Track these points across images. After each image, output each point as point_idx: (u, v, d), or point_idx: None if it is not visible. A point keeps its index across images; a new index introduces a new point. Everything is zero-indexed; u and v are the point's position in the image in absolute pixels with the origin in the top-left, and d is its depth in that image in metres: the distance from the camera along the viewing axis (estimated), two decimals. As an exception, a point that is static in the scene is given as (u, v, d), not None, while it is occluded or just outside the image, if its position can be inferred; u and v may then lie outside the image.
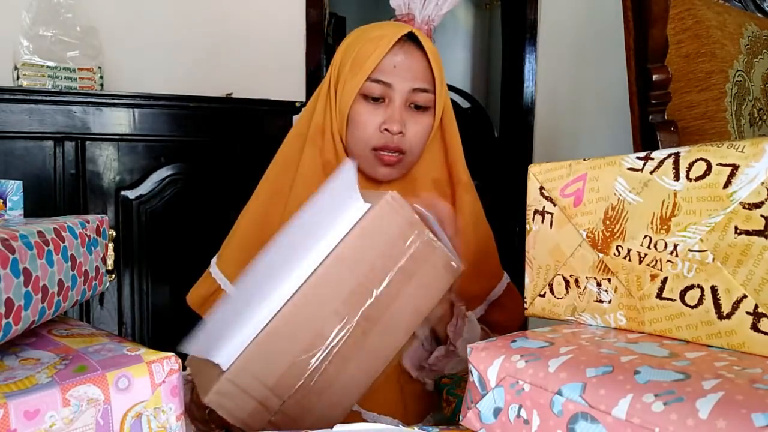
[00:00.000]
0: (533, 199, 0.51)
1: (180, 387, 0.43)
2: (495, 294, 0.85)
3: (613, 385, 0.33)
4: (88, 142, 1.39)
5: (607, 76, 2.15)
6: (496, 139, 2.69)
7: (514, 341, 0.43)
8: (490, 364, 0.41)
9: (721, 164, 0.38)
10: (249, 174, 1.58)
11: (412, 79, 0.74)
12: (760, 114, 1.27)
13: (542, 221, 0.50)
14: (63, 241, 0.48)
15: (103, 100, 1.39)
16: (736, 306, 0.37)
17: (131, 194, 1.46)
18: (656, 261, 0.41)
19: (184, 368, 0.67)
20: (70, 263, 0.49)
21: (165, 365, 0.42)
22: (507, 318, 0.85)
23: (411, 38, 0.77)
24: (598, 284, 0.46)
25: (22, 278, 0.41)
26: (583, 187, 0.47)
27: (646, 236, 0.42)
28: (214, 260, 0.85)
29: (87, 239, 0.54)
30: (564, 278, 0.49)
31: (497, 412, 0.39)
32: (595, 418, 0.33)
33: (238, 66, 1.85)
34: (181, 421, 0.43)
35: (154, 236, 1.48)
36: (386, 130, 0.74)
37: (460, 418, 0.43)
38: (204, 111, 1.51)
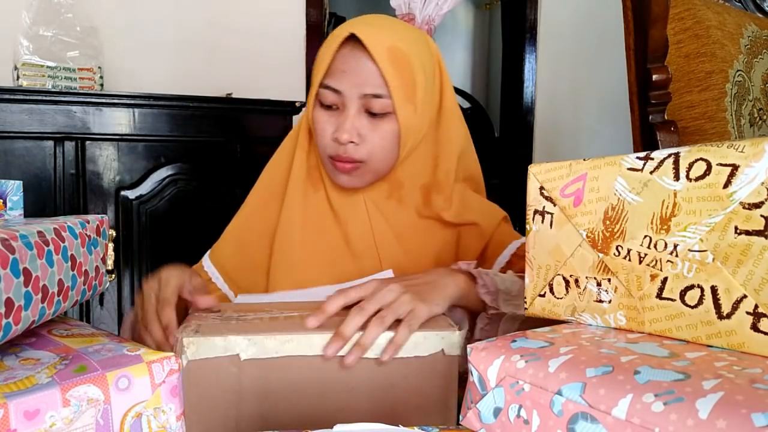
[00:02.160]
0: (533, 199, 0.51)
1: (180, 387, 0.43)
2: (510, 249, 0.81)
3: (613, 385, 0.33)
4: (88, 142, 1.40)
5: (607, 76, 2.15)
6: (496, 139, 2.69)
7: (514, 341, 0.43)
8: (490, 364, 0.41)
9: (721, 164, 0.38)
10: (249, 174, 1.58)
11: (361, 84, 0.69)
12: (760, 114, 1.27)
13: (542, 221, 0.50)
14: (63, 241, 0.48)
15: (103, 100, 1.39)
16: (736, 306, 0.37)
17: (131, 194, 1.46)
18: (656, 261, 0.41)
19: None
20: (70, 263, 0.49)
21: (165, 365, 0.42)
22: None
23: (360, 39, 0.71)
24: (598, 284, 0.46)
25: (22, 278, 0.41)
26: (583, 187, 0.47)
27: (646, 236, 0.42)
28: (207, 253, 0.85)
29: (87, 239, 0.54)
30: (564, 278, 0.49)
31: (497, 412, 0.39)
32: (595, 418, 0.33)
33: (238, 66, 1.85)
34: (181, 421, 0.43)
35: (154, 236, 1.48)
36: (335, 139, 0.70)
37: (460, 418, 0.43)
38: (204, 111, 1.51)
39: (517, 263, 0.79)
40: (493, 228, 0.82)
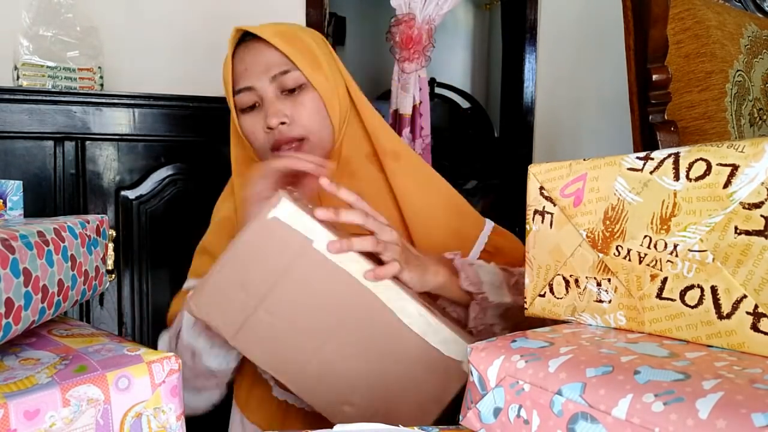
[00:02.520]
0: (533, 199, 0.51)
1: (180, 387, 0.43)
2: (480, 243, 0.81)
3: (613, 385, 0.33)
4: (88, 142, 1.39)
5: (607, 76, 2.15)
6: (496, 139, 2.70)
7: (514, 341, 0.43)
8: (490, 364, 0.41)
9: (721, 164, 0.38)
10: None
11: (266, 69, 0.71)
12: (760, 114, 1.27)
13: (542, 221, 0.50)
14: (63, 241, 0.48)
15: (103, 100, 1.39)
16: (736, 306, 0.37)
17: (131, 194, 1.46)
18: (656, 261, 0.41)
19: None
20: (70, 263, 0.49)
21: (165, 365, 0.42)
22: (509, 249, 0.82)
23: (251, 35, 0.74)
24: (598, 284, 0.46)
25: (22, 278, 0.41)
26: (583, 187, 0.47)
27: (646, 236, 0.42)
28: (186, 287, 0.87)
29: (87, 239, 0.54)
30: (564, 278, 0.49)
31: (497, 412, 0.39)
32: (595, 418, 0.33)
33: (238, 66, 1.85)
34: (181, 421, 0.43)
35: (154, 236, 1.48)
36: (268, 128, 0.72)
37: (460, 418, 0.43)
38: (204, 111, 1.51)
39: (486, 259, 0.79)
40: None
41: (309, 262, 0.57)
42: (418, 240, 0.77)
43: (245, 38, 0.75)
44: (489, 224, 0.84)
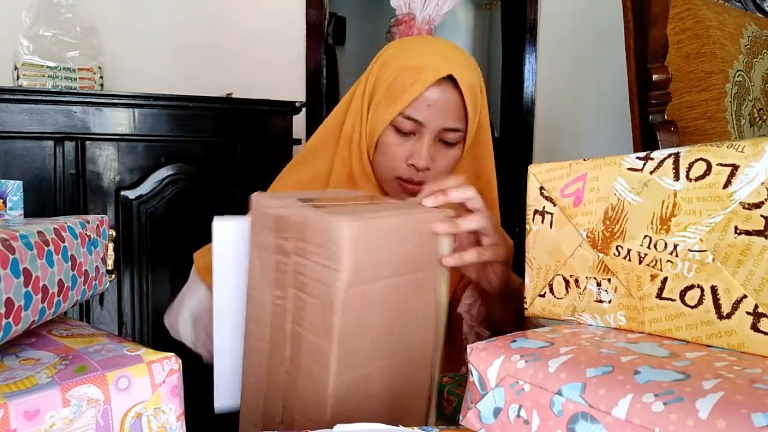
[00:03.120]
0: (533, 199, 0.51)
1: (180, 387, 0.43)
2: None
3: (613, 385, 0.33)
4: (88, 142, 1.40)
5: (607, 76, 2.15)
6: (496, 139, 2.69)
7: (514, 341, 0.43)
8: (490, 364, 0.41)
9: (721, 164, 0.38)
10: (249, 174, 1.58)
11: (444, 118, 0.73)
12: (760, 114, 1.27)
13: (542, 221, 0.50)
14: (63, 241, 0.48)
15: (103, 100, 1.39)
16: (736, 306, 0.37)
17: (131, 194, 1.46)
18: (656, 261, 0.41)
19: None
20: (70, 263, 0.49)
21: (165, 365, 0.42)
22: None
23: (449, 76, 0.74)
24: (598, 284, 0.46)
25: (22, 278, 0.41)
26: (583, 187, 0.47)
27: (646, 236, 0.42)
28: None
29: (87, 239, 0.54)
30: (564, 278, 0.49)
31: (497, 412, 0.39)
32: (595, 418, 0.33)
33: (238, 66, 1.85)
34: (181, 422, 0.43)
35: (154, 236, 1.48)
36: (412, 164, 0.74)
37: (460, 418, 0.43)
38: (204, 111, 1.51)
39: None
40: None
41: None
42: None
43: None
44: None
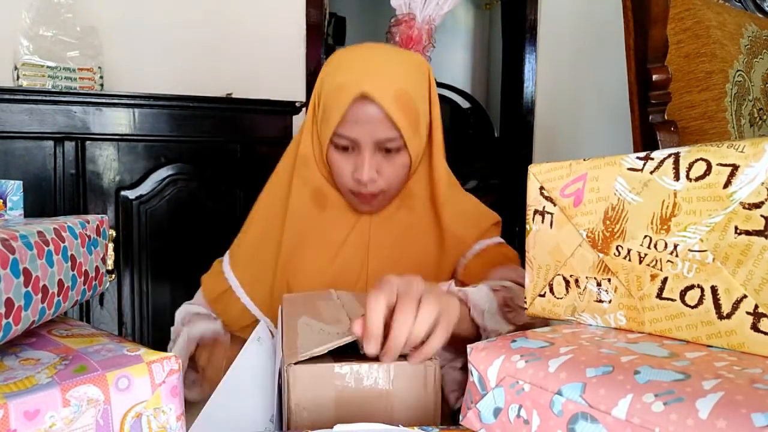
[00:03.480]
0: (533, 199, 0.51)
1: (180, 387, 0.43)
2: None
3: (613, 385, 0.33)
4: (88, 142, 1.40)
5: (607, 76, 2.15)
6: (496, 139, 2.70)
7: (514, 341, 0.43)
8: (490, 364, 0.41)
9: (721, 164, 0.38)
10: (249, 174, 1.58)
11: (374, 131, 0.73)
12: (760, 114, 1.27)
13: (542, 221, 0.50)
14: (63, 241, 0.48)
15: (103, 100, 1.39)
16: (736, 306, 0.37)
17: (131, 194, 1.46)
18: (656, 261, 0.41)
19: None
20: (70, 263, 0.49)
21: (165, 365, 0.42)
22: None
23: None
24: (598, 284, 0.46)
25: (22, 278, 0.41)
26: (583, 187, 0.47)
27: (646, 236, 0.42)
28: (226, 259, 0.87)
29: (87, 239, 0.54)
30: (564, 278, 0.49)
31: (497, 412, 0.39)
32: (595, 418, 0.33)
33: (238, 66, 1.85)
34: (181, 422, 0.43)
35: (154, 236, 1.48)
36: (357, 179, 0.75)
37: (460, 418, 0.43)
38: (204, 111, 1.51)
39: (473, 265, 0.82)
40: (479, 235, 0.85)
41: None
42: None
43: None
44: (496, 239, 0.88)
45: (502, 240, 0.88)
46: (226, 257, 0.87)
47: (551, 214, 0.49)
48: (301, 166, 0.81)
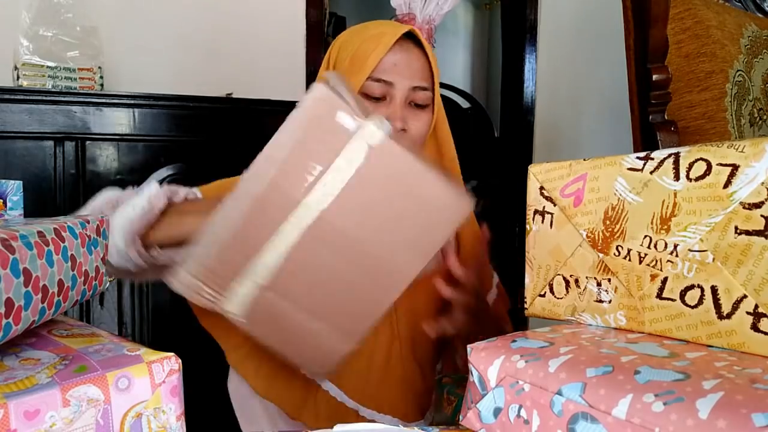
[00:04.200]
0: (533, 199, 0.51)
1: (180, 387, 0.43)
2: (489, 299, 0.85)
3: (613, 385, 0.33)
4: (88, 142, 1.39)
5: (607, 76, 2.15)
6: (496, 139, 2.69)
7: (514, 341, 0.43)
8: (490, 364, 0.41)
9: (721, 164, 0.38)
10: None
11: (411, 77, 0.75)
12: (760, 114, 1.27)
13: (542, 221, 0.50)
14: (63, 241, 0.48)
15: (103, 100, 1.39)
16: (736, 306, 0.37)
17: (131, 194, 1.45)
18: (656, 261, 0.41)
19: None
20: (70, 263, 0.49)
21: (165, 365, 0.42)
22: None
23: (409, 36, 0.77)
24: (598, 284, 0.46)
25: (22, 278, 0.41)
26: (583, 187, 0.47)
27: (646, 236, 0.42)
28: None
29: (87, 239, 0.54)
30: (564, 278, 0.49)
31: (497, 412, 0.39)
32: (595, 418, 0.33)
33: (238, 66, 1.85)
34: (181, 422, 0.43)
35: (154, 236, 1.48)
36: None
37: (460, 418, 0.43)
38: (204, 111, 1.51)
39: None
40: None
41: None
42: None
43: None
44: (495, 280, 0.89)
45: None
46: None
47: (551, 214, 0.49)
48: None
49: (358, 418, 0.75)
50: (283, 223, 0.52)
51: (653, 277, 0.42)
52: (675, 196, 0.40)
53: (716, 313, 0.38)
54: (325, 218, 0.52)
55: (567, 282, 0.48)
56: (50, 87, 1.40)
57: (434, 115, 0.78)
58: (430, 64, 0.76)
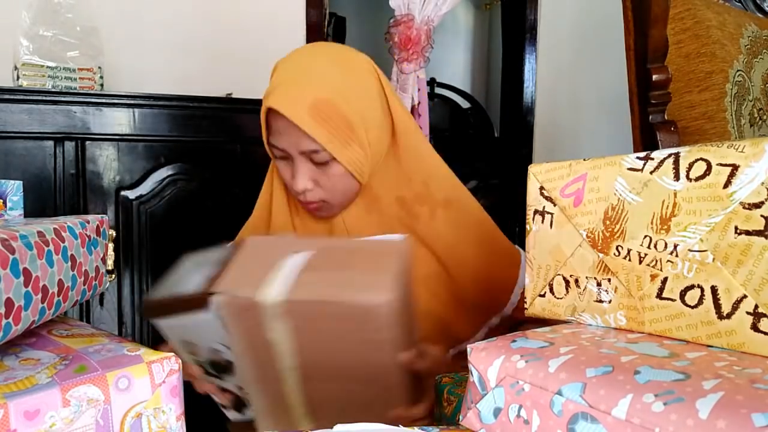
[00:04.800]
0: (533, 199, 0.51)
1: (180, 387, 0.43)
2: (510, 306, 0.81)
3: (613, 385, 0.33)
4: (88, 142, 1.39)
5: (607, 76, 2.15)
6: (496, 139, 2.69)
7: (514, 341, 0.43)
8: (490, 364, 0.41)
9: (721, 164, 0.38)
10: (249, 174, 1.57)
11: (296, 143, 0.71)
12: (760, 114, 1.27)
13: (542, 221, 0.50)
14: (63, 241, 0.48)
15: (103, 100, 1.39)
16: (736, 306, 0.37)
17: (131, 194, 1.46)
18: (656, 261, 0.41)
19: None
20: (70, 263, 0.49)
21: (165, 365, 0.42)
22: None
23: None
24: (598, 284, 0.46)
25: (22, 278, 0.41)
26: (583, 187, 0.47)
27: (646, 236, 0.42)
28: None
29: (87, 239, 0.54)
30: (564, 278, 0.49)
31: (497, 412, 0.39)
32: (595, 418, 0.33)
33: (238, 66, 1.85)
34: (180, 422, 0.43)
35: (154, 236, 1.48)
36: (293, 189, 0.75)
37: (461, 418, 0.43)
38: (204, 111, 1.51)
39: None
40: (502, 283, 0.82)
41: None
42: (455, 275, 0.79)
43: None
44: (518, 288, 0.84)
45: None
46: None
47: (551, 214, 0.49)
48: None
49: None
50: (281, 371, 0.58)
51: (653, 277, 0.42)
52: (675, 196, 0.40)
53: (716, 313, 0.38)
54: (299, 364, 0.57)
55: (567, 282, 0.48)
56: (50, 87, 1.40)
57: (345, 164, 0.72)
58: (306, 132, 0.70)
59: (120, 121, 1.41)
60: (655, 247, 0.41)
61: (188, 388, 0.73)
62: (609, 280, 0.45)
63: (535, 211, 0.51)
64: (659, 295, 0.41)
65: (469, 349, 0.43)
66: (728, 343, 0.38)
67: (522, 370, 0.39)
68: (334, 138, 0.71)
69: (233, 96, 1.63)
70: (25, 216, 0.75)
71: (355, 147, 0.73)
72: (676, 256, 0.40)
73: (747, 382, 0.31)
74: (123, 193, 1.45)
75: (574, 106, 2.37)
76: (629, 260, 0.43)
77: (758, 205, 0.36)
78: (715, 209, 0.38)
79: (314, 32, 1.96)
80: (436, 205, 0.79)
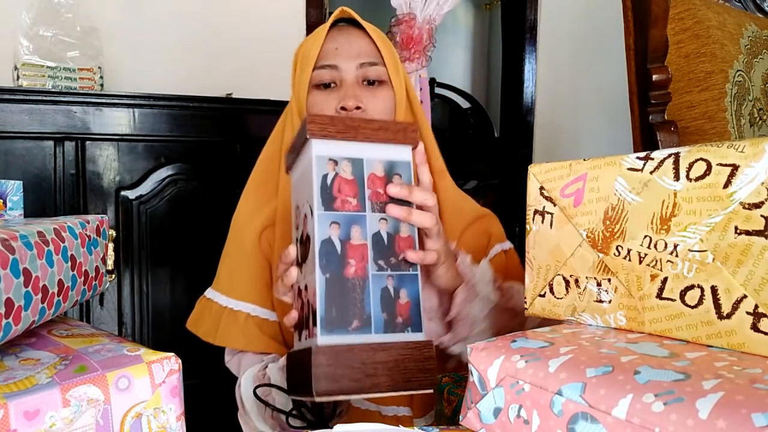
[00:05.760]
0: (533, 199, 0.51)
1: (180, 387, 0.43)
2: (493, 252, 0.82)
3: (613, 385, 0.33)
4: (88, 142, 1.40)
5: (607, 76, 2.15)
6: (496, 139, 2.69)
7: (514, 341, 0.43)
8: (490, 364, 0.41)
9: (721, 164, 0.38)
10: (249, 174, 1.57)
11: (356, 55, 0.74)
12: (760, 114, 1.27)
13: (542, 221, 0.50)
14: (63, 241, 0.48)
15: (103, 100, 1.39)
16: (736, 306, 0.37)
17: (131, 194, 1.46)
18: (656, 261, 0.41)
19: None
20: (70, 263, 0.49)
21: (165, 365, 0.42)
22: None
23: (349, 21, 0.77)
24: (598, 284, 0.46)
25: (22, 278, 0.41)
26: (583, 187, 0.47)
27: (646, 236, 0.42)
28: (210, 293, 0.83)
29: (87, 239, 0.54)
30: (564, 278, 0.49)
31: (497, 412, 0.39)
32: (595, 418, 0.33)
33: (238, 66, 1.85)
34: (181, 422, 0.43)
35: (154, 236, 1.48)
36: (342, 108, 0.73)
37: (461, 418, 0.43)
38: (204, 111, 1.51)
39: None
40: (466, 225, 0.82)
41: None
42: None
43: (338, 23, 0.78)
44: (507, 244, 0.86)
45: (510, 245, 0.85)
46: (210, 292, 0.82)
47: (551, 214, 0.49)
48: (288, 119, 0.81)
49: (363, 413, 0.75)
50: None
51: (653, 277, 0.42)
52: (675, 196, 0.40)
53: (716, 313, 0.38)
54: None
55: (567, 282, 0.48)
56: (50, 87, 1.40)
57: (396, 92, 0.76)
58: (374, 42, 0.75)
59: (120, 121, 1.42)
60: (655, 247, 0.41)
61: (188, 388, 0.73)
62: (609, 280, 0.45)
63: (535, 211, 0.51)
64: (659, 295, 0.41)
65: (469, 349, 0.43)
66: (728, 343, 0.38)
67: (522, 370, 0.39)
68: (389, 55, 0.76)
69: (233, 96, 1.64)
70: (25, 216, 0.75)
71: (399, 79, 0.77)
72: (676, 256, 0.40)
73: (747, 382, 0.31)
74: (123, 193, 1.45)
75: (574, 106, 2.37)
76: (629, 260, 0.43)
77: (758, 205, 0.36)
78: (715, 209, 0.38)
79: (314, 32, 1.96)
80: (437, 175, 0.79)
